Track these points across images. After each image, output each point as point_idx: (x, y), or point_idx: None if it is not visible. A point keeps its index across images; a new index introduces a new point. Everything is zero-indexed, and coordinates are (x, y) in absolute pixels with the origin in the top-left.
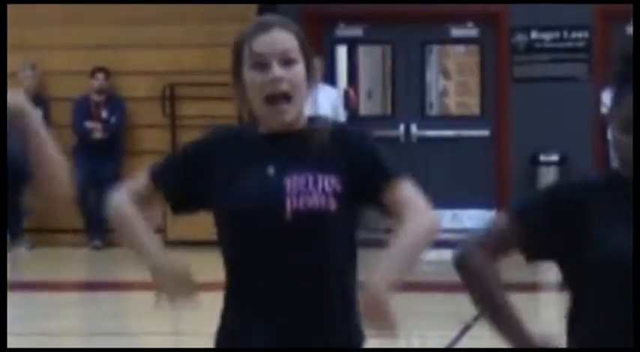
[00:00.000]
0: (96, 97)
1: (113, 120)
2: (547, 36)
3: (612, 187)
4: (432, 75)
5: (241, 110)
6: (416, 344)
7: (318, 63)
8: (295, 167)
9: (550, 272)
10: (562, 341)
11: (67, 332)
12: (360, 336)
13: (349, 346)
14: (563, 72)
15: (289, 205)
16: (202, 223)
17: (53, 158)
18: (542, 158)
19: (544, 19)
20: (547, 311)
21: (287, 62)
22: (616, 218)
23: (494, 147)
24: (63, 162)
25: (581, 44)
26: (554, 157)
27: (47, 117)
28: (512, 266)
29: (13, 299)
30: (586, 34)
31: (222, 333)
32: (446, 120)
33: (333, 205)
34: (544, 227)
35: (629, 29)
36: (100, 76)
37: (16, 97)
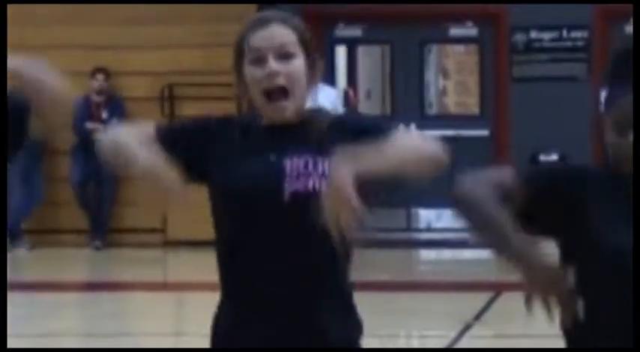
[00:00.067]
0: (96, 98)
1: (113, 120)
2: (546, 35)
3: (611, 184)
4: (431, 75)
5: (244, 107)
6: (416, 344)
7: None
8: (295, 150)
9: None
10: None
11: (67, 332)
12: (356, 326)
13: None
14: (562, 72)
15: (287, 187)
16: (202, 223)
17: (58, 97)
18: (542, 158)
19: (543, 19)
20: None
21: (284, 56)
22: (615, 217)
23: (494, 146)
24: (68, 98)
25: (580, 44)
26: (554, 157)
27: None
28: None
29: (13, 299)
30: (585, 34)
31: (218, 328)
32: (445, 119)
33: None
34: (549, 196)
35: (629, 29)
36: (100, 76)
37: (12, 61)
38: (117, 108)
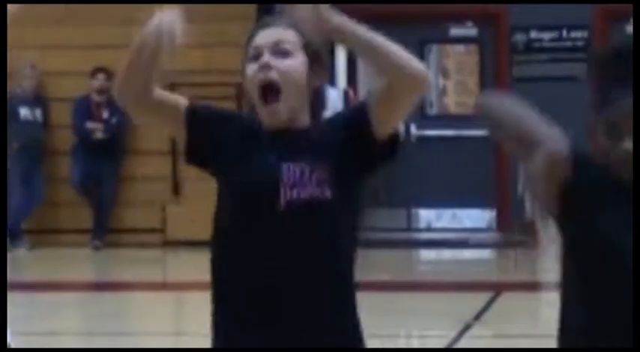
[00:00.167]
0: (96, 97)
1: (114, 120)
2: (546, 35)
3: (616, 185)
4: (431, 74)
5: (245, 108)
6: (416, 344)
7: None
8: (292, 158)
9: (550, 272)
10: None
11: (67, 332)
12: (356, 331)
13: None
14: (562, 71)
15: (283, 197)
16: (202, 223)
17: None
18: None
19: (543, 19)
20: (547, 310)
21: (281, 53)
22: (619, 218)
23: (494, 146)
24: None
25: (580, 44)
26: None
27: (46, 117)
28: (514, 266)
29: (13, 299)
30: (585, 34)
31: (218, 333)
32: (445, 119)
33: (328, 194)
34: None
35: (629, 29)
36: (101, 76)
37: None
38: (118, 108)
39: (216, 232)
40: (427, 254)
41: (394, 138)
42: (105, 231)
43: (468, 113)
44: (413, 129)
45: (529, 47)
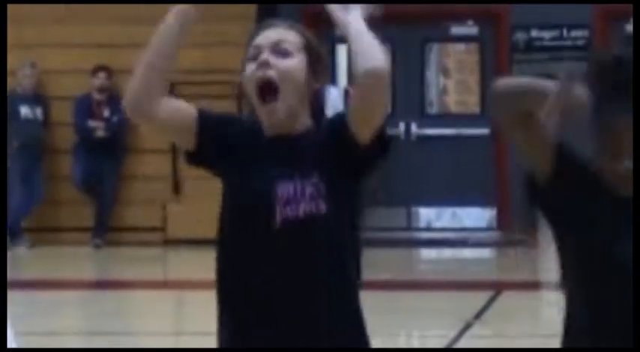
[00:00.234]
0: (97, 96)
1: (115, 119)
2: (547, 34)
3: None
4: (431, 73)
5: (245, 108)
6: (416, 343)
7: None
8: (286, 173)
9: (550, 272)
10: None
11: (68, 331)
12: (362, 340)
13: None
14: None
15: (279, 215)
16: (202, 222)
17: None
18: None
19: (544, 18)
20: (548, 310)
21: (280, 52)
22: (619, 219)
23: (495, 145)
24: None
25: (580, 43)
26: None
27: (47, 116)
28: (513, 266)
29: (13, 298)
30: (586, 33)
31: (222, 337)
32: (446, 118)
33: (323, 208)
34: (566, 171)
35: (629, 28)
36: (102, 74)
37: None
38: (119, 106)
39: (221, 232)
40: (427, 253)
41: (382, 137)
42: (105, 230)
43: (469, 112)
44: (413, 128)
45: (530, 46)
